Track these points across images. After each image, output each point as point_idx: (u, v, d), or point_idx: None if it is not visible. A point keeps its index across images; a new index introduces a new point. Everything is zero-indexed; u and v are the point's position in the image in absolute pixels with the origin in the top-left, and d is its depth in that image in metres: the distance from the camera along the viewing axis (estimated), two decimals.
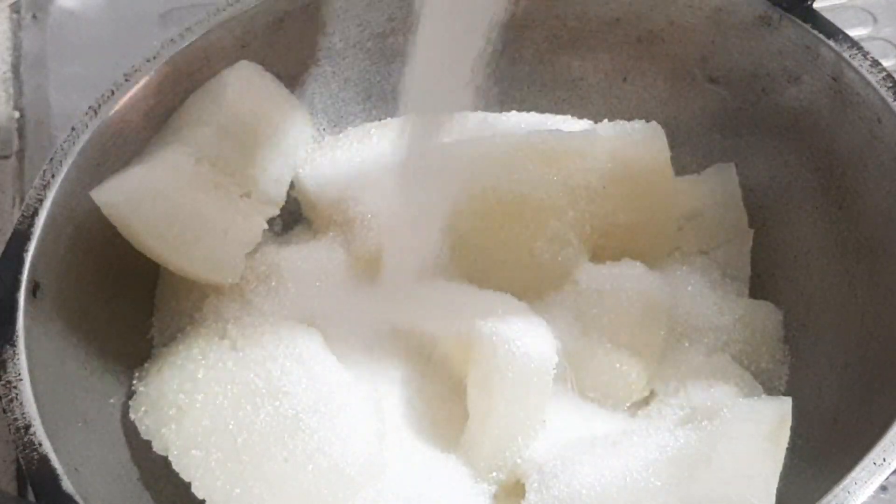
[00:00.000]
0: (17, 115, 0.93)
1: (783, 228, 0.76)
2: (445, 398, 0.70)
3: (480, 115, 0.82)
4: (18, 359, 0.62)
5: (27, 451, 0.60)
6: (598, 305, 0.72)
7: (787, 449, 0.63)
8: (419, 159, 0.78)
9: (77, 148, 0.70)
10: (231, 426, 0.64)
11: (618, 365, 0.70)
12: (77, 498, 0.58)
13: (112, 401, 0.70)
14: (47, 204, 0.68)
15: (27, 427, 0.60)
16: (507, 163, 0.75)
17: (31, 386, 0.62)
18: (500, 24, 0.66)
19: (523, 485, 0.66)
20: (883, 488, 0.70)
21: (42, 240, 0.67)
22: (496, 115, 0.82)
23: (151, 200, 0.70)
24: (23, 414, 0.61)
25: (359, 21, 0.81)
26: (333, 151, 0.79)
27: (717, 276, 0.75)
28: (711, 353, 0.72)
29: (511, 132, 0.79)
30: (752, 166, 0.78)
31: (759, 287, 0.76)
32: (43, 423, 0.61)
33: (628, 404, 0.71)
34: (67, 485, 0.59)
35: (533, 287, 0.74)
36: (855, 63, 0.71)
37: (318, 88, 0.82)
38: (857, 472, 0.57)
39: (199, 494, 0.64)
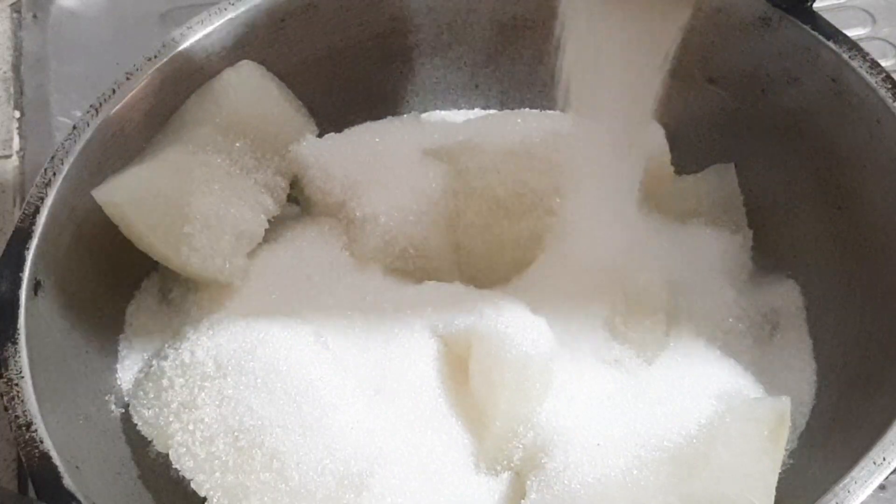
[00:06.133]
0: (17, 114, 0.93)
1: (783, 228, 0.76)
2: (445, 397, 0.70)
3: (480, 115, 0.83)
4: (20, 356, 0.62)
5: (28, 449, 0.60)
6: (598, 305, 0.72)
7: (787, 448, 0.63)
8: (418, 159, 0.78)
9: (78, 147, 0.70)
10: (231, 423, 0.64)
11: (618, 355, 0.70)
12: (78, 495, 0.58)
13: (113, 398, 0.70)
14: (48, 203, 0.68)
15: (28, 425, 0.60)
16: (506, 163, 0.75)
17: (33, 384, 0.62)
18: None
19: (524, 484, 0.66)
20: (882, 487, 0.70)
21: (43, 238, 0.67)
22: (496, 114, 0.82)
23: (153, 200, 0.70)
24: (24, 412, 0.61)
25: (359, 21, 0.81)
26: (334, 151, 0.79)
27: (716, 276, 0.75)
28: (710, 352, 0.72)
29: (510, 132, 0.79)
30: (751, 166, 0.78)
31: (758, 286, 0.76)
32: (44, 420, 0.61)
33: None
34: (68, 482, 0.59)
35: (532, 286, 0.74)
36: (854, 64, 0.71)
37: (318, 88, 0.82)
38: (857, 472, 0.57)
39: (200, 492, 0.64)
